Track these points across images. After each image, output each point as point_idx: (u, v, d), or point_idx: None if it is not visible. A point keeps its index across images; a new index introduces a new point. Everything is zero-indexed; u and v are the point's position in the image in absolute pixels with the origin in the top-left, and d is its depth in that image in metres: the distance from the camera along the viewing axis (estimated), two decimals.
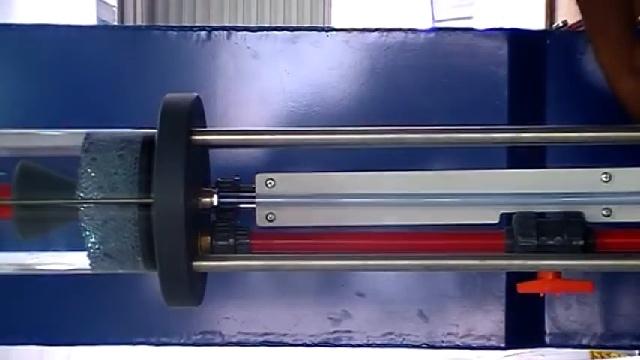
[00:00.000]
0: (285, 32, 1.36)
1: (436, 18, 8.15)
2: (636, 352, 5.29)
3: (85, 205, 1.05)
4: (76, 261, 1.09)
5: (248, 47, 1.36)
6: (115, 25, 5.96)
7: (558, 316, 1.34)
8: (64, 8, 5.44)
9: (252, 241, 1.10)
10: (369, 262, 1.14)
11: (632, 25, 1.25)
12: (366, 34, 1.36)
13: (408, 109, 1.34)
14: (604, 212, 1.08)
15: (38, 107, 1.35)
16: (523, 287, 1.12)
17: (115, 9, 6.37)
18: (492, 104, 1.32)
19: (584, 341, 1.34)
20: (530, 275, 1.10)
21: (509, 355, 5.72)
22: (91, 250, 1.06)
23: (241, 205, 1.10)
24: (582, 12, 1.29)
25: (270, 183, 1.09)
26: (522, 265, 1.09)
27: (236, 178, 1.09)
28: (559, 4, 3.53)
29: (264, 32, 1.36)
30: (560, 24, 3.73)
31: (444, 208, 1.12)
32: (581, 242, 1.06)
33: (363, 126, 1.26)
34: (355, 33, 1.36)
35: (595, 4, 1.25)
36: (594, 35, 1.26)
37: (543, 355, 5.54)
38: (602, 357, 5.27)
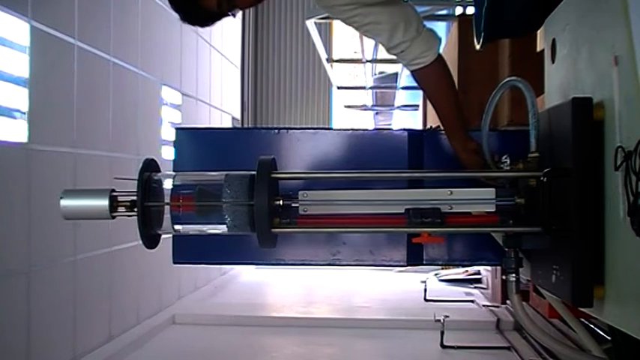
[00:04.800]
0: (311, 130, 1.40)
1: (376, 124, 8.33)
2: (461, 267, 5.20)
3: (225, 205, 1.08)
4: (221, 229, 1.12)
5: (295, 136, 1.41)
6: (239, 127, 5.99)
7: (429, 251, 1.38)
8: (218, 121, 5.58)
9: (297, 220, 1.17)
10: (349, 229, 1.19)
11: (465, 126, 1.26)
12: (346, 131, 1.40)
13: (364, 163, 1.36)
14: (449, 208, 1.12)
15: (208, 162, 1.37)
16: (415, 240, 1.19)
17: (239, 120, 6.49)
18: (399, 160, 1.35)
19: (440, 262, 1.36)
20: (417, 235, 1.13)
21: (402, 271, 5.49)
22: (228, 224, 1.12)
23: (292, 205, 1.15)
24: (441, 117, 1.28)
25: (304, 194, 1.15)
26: (414, 230, 1.15)
27: (290, 192, 1.11)
28: (428, 116, 3.51)
29: (303, 130, 1.41)
30: (429, 127, 3.68)
31: (382, 205, 1.18)
32: (439, 220, 1.11)
33: (345, 169, 1.29)
34: (341, 130, 1.40)
35: (449, 114, 1.26)
36: (447, 129, 1.28)
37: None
38: (447, 268, 5.52)
